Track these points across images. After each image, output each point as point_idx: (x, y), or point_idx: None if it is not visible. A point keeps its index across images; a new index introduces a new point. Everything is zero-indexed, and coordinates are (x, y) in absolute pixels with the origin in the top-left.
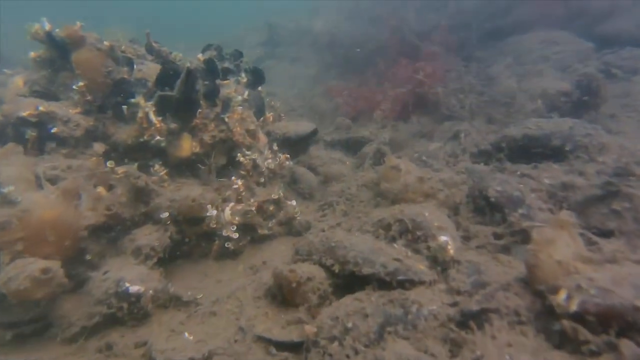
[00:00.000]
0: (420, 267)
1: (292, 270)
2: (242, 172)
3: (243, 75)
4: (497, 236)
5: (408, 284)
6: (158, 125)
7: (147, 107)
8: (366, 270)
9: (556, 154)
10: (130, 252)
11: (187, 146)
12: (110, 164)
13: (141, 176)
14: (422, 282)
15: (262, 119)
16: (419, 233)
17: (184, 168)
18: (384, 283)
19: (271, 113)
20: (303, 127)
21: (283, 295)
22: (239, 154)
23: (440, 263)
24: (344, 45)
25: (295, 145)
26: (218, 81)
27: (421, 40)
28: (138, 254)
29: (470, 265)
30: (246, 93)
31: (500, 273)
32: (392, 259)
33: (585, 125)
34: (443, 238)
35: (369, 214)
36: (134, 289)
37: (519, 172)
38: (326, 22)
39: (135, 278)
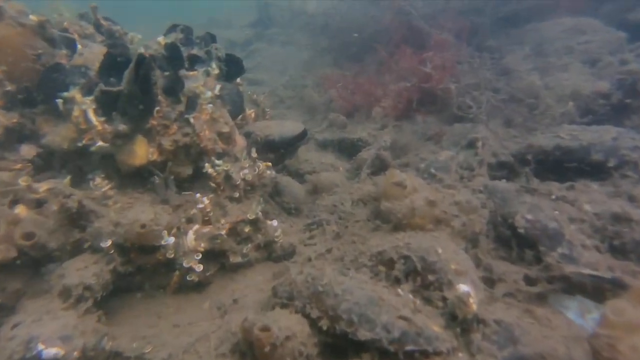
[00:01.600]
0: (434, 328)
1: (265, 329)
2: (212, 184)
3: (214, 65)
4: (530, 281)
5: (419, 354)
6: (100, 128)
7: (84, 104)
8: (363, 335)
9: (596, 171)
10: (57, 293)
11: (141, 152)
12: (24, 180)
13: (72, 195)
14: (437, 353)
15: (240, 117)
16: (430, 278)
17: (139, 179)
18: (386, 353)
19: (253, 109)
20: (289, 128)
21: (254, 357)
22: (206, 165)
23: (459, 322)
24: (340, 28)
25: (280, 150)
26: (182, 72)
27: (428, 25)
28: (67, 295)
29: (501, 330)
30: (218, 88)
31: (540, 338)
32: (397, 317)
33: (633, 136)
34: (463, 288)
35: (366, 240)
36: (49, 353)
37: (553, 196)
38: (321, 1)
39: (53, 336)
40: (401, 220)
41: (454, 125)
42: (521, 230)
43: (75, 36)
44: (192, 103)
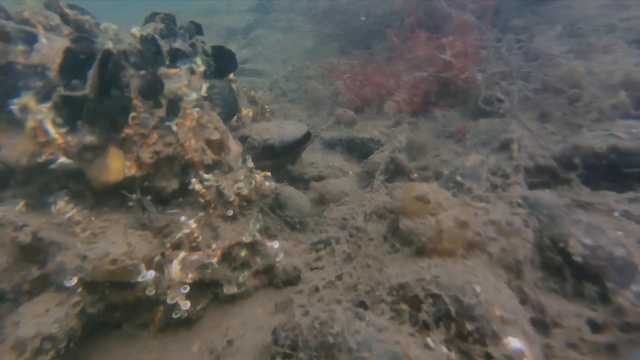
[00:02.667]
0: None
1: None
2: (201, 201)
3: (199, 61)
4: (595, 326)
5: None
6: (61, 141)
7: (39, 113)
8: None
9: None
10: (10, 346)
11: (117, 166)
12: None
13: (26, 226)
14: None
15: (235, 118)
16: (469, 327)
17: (116, 197)
18: None
19: (250, 109)
20: (291, 130)
21: None
22: (193, 180)
23: None
24: (346, 11)
25: (281, 156)
26: (162, 70)
27: (446, 4)
28: (22, 349)
29: None
30: (205, 87)
31: None
32: None
33: None
34: (514, 344)
35: (383, 265)
36: None
37: (616, 213)
38: None
39: None
40: (426, 244)
41: (479, 121)
42: (578, 259)
43: (38, 28)
44: (174, 107)
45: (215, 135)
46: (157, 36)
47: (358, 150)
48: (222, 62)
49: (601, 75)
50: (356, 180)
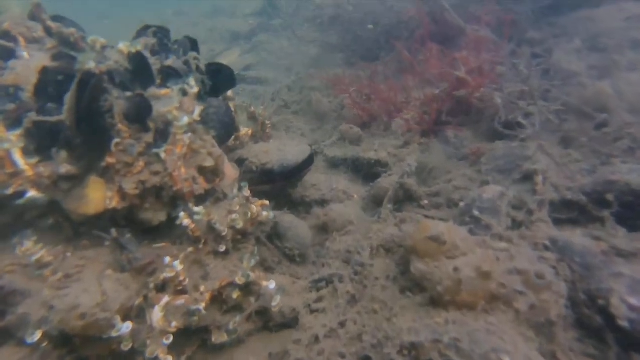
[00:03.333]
0: None
1: None
2: (191, 234)
3: (192, 82)
4: None
5: None
6: (30, 173)
7: (7, 142)
8: None
9: None
10: None
11: (97, 197)
12: None
13: None
14: None
15: (233, 137)
16: None
17: (97, 230)
18: None
19: (249, 127)
20: (292, 152)
21: None
22: (182, 214)
23: None
24: (352, 21)
25: (280, 182)
26: (152, 90)
27: (459, 16)
28: None
29: None
30: (198, 111)
31: None
32: None
33: None
34: None
35: (392, 313)
36: None
37: None
38: None
39: None
40: (442, 295)
41: (496, 144)
42: (624, 324)
43: (20, 41)
44: (164, 132)
45: (209, 162)
46: (148, 52)
47: (364, 171)
48: (219, 80)
49: (631, 98)
50: (362, 204)
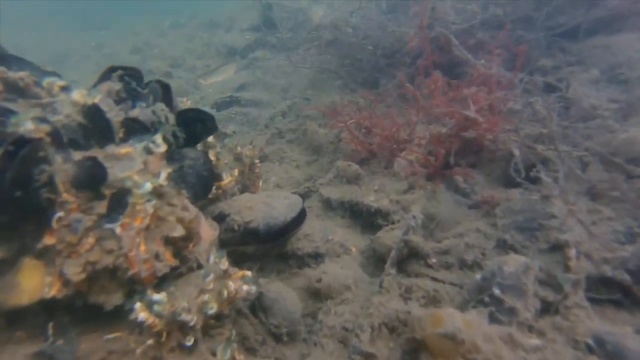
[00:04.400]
0: None
1: None
2: (147, 326)
3: (159, 140)
4: None
5: None
6: None
7: None
8: None
9: None
10: None
11: (32, 285)
12: None
13: None
14: None
15: (213, 189)
16: None
17: (30, 320)
18: None
19: (233, 173)
20: (280, 209)
21: None
22: (138, 305)
23: None
24: (351, 44)
25: (266, 243)
26: (110, 149)
27: (461, 40)
28: None
29: None
30: (164, 175)
31: None
32: None
33: None
34: None
35: None
36: None
37: None
38: (329, 11)
39: None
40: None
41: (511, 192)
42: None
43: None
44: (120, 202)
45: (178, 232)
46: (109, 103)
47: (363, 217)
48: (197, 127)
49: None
50: (361, 260)
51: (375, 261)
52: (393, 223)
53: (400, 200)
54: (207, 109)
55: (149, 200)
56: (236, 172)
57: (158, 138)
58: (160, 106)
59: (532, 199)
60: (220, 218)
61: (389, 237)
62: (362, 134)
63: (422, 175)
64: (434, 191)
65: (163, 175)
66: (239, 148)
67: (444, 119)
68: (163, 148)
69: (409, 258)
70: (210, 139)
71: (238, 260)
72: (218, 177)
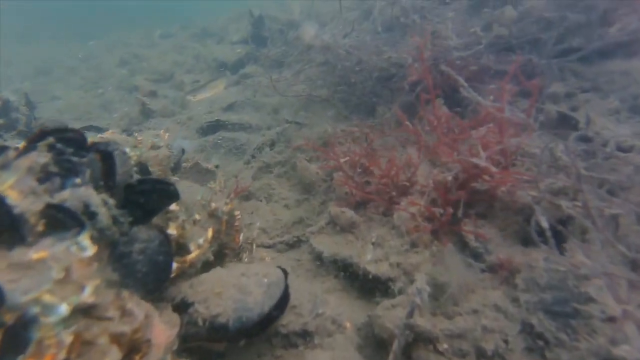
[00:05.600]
0: None
1: None
2: None
3: (86, 242)
4: None
5: None
6: None
7: None
8: None
9: None
10: None
11: None
12: None
13: None
14: None
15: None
16: None
17: None
18: None
19: (200, 249)
20: (257, 293)
21: None
22: None
23: None
24: (345, 68)
25: (237, 340)
26: (17, 254)
27: (464, 64)
28: None
29: None
30: (89, 289)
31: None
32: None
33: None
34: None
35: None
36: None
37: None
38: (320, 30)
39: None
40: None
41: (532, 255)
42: None
43: None
44: (20, 338)
45: (113, 356)
46: (30, 184)
47: (359, 280)
48: (151, 199)
49: None
50: (357, 341)
51: (374, 343)
52: (394, 293)
53: (401, 263)
54: (169, 179)
55: (66, 327)
56: (210, 233)
57: (83, 239)
58: (91, 192)
59: (560, 270)
60: (182, 307)
61: (391, 317)
62: (357, 174)
63: (427, 231)
64: (440, 252)
65: (89, 289)
66: (213, 204)
67: (450, 165)
68: (90, 251)
69: (415, 341)
70: (174, 206)
71: (205, 357)
72: (183, 250)
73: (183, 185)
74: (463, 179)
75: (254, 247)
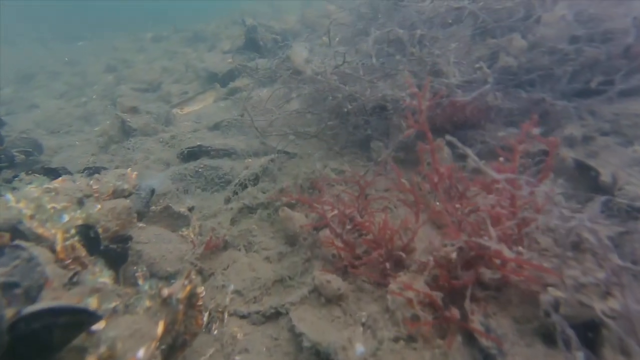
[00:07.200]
0: None
1: None
2: None
3: None
4: None
5: None
6: None
7: None
8: None
9: None
10: None
11: None
12: None
13: None
14: None
15: None
16: None
17: None
18: None
19: (151, 342)
20: None
21: None
22: None
23: None
24: (336, 99)
25: None
26: None
27: (467, 103)
28: None
29: None
30: None
31: None
32: None
33: None
34: None
35: None
36: None
37: None
38: (311, 55)
39: None
40: None
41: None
42: None
43: None
44: None
45: None
46: None
47: None
48: (55, 334)
49: None
50: None
51: None
52: None
53: None
54: (79, 305)
55: None
56: (159, 328)
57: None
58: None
59: None
60: None
61: None
62: (346, 232)
63: (428, 324)
64: (445, 354)
65: None
66: (166, 290)
67: (455, 235)
68: None
69: None
70: (84, 335)
71: None
72: None
73: (150, 233)
74: (470, 255)
75: (226, 316)
